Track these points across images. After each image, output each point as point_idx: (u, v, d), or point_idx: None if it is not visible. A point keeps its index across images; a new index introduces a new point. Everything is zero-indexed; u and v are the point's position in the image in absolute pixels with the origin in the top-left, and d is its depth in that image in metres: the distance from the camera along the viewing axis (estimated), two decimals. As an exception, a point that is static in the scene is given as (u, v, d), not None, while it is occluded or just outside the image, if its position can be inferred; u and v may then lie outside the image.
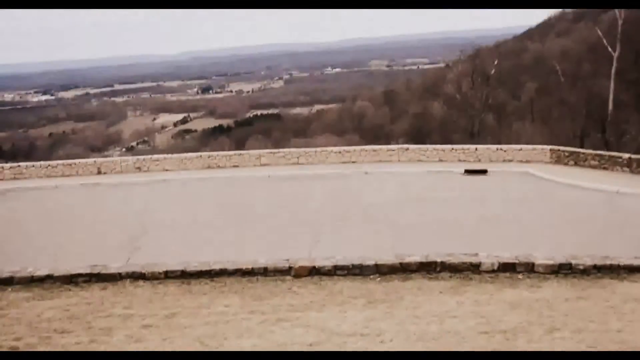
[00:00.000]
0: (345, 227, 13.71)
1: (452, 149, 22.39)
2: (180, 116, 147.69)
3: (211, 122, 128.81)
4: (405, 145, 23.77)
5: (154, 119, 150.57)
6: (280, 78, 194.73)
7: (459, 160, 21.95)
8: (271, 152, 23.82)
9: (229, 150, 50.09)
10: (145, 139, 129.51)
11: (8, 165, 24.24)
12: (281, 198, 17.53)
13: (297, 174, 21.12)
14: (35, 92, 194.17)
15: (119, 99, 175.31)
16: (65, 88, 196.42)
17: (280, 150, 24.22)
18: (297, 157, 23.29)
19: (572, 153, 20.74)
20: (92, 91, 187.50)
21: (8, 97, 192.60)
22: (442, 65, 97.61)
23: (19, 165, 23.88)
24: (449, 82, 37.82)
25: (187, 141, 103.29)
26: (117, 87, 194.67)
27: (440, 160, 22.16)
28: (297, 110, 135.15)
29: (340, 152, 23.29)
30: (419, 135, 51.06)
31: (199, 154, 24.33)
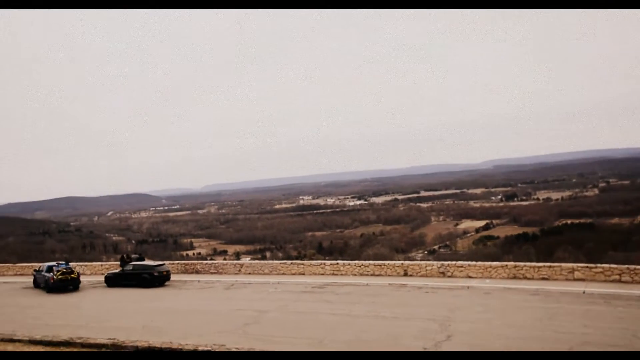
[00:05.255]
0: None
1: None
2: (482, 222, 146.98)
3: (515, 230, 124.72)
4: None
5: (457, 224, 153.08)
6: (595, 186, 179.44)
7: None
8: (587, 267, 21.40)
9: (535, 259, 47.25)
10: (447, 243, 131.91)
11: (329, 262, 28.04)
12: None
13: (620, 294, 18.40)
14: (352, 197, 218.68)
15: (423, 205, 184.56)
16: (377, 194, 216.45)
17: (598, 265, 21.57)
18: (619, 274, 20.43)
19: None
20: (400, 197, 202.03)
21: (330, 201, 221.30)
22: None
23: (337, 263, 27.28)
24: None
25: (489, 247, 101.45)
26: (423, 193, 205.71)
27: None
28: (615, 221, 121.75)
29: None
30: None
31: (504, 263, 23.39)
